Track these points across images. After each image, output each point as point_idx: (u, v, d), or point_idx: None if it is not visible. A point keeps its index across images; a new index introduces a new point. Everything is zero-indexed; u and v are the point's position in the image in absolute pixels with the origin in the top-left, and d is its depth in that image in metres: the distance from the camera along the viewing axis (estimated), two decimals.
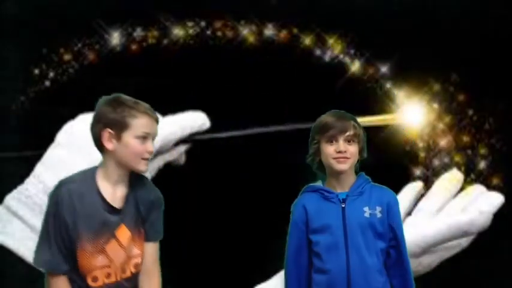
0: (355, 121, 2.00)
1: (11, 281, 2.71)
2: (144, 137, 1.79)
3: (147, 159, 1.80)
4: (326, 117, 2.00)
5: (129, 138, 1.78)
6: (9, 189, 2.69)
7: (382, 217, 1.95)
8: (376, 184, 2.03)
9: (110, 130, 1.79)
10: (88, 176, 1.82)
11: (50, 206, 1.79)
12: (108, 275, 1.77)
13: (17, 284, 2.76)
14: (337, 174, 1.98)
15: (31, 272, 2.60)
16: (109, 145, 1.79)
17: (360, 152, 2.01)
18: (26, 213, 2.60)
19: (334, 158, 1.95)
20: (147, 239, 1.84)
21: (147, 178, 1.90)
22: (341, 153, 1.94)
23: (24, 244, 2.58)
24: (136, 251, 1.81)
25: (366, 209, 1.95)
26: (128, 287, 1.81)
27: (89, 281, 1.76)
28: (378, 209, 1.95)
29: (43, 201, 2.61)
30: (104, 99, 1.85)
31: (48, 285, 1.79)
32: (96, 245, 1.75)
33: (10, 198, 2.64)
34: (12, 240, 2.58)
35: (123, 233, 1.78)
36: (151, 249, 1.85)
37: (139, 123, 1.79)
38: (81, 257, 1.75)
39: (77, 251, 1.75)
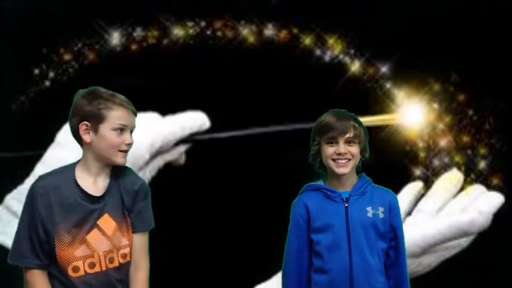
0: (356, 121, 1.98)
1: (13, 281, 2.71)
2: (121, 129, 1.79)
3: (125, 151, 1.79)
4: (326, 118, 1.99)
5: (106, 130, 1.78)
6: (9, 189, 2.69)
7: (384, 217, 1.95)
8: (377, 185, 2.03)
9: (87, 122, 1.79)
10: (67, 169, 1.81)
11: (25, 200, 1.79)
12: (92, 265, 1.75)
13: (19, 284, 2.76)
14: (339, 175, 1.97)
15: None
16: (86, 137, 1.78)
17: (362, 151, 2.00)
18: None
19: (334, 160, 1.94)
20: (134, 229, 1.81)
21: (130, 169, 1.88)
22: (341, 155, 1.94)
23: None
24: (124, 241, 1.79)
25: (369, 209, 1.94)
26: (118, 277, 1.78)
27: (70, 272, 1.74)
28: (381, 209, 1.95)
29: None
30: (80, 92, 1.87)
31: (25, 281, 1.78)
32: (76, 235, 1.74)
33: (10, 198, 2.64)
34: (12, 240, 2.58)
35: (107, 222, 1.76)
36: (139, 240, 1.82)
37: (115, 115, 1.79)
38: (59, 248, 1.73)
39: (55, 243, 1.73)
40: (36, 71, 3.12)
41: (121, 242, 1.78)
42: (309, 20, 3.17)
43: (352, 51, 3.20)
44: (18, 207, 2.62)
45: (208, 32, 3.19)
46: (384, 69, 3.19)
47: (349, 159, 1.95)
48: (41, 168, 2.71)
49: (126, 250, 1.79)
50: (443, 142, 3.19)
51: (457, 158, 3.18)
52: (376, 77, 3.20)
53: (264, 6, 3.17)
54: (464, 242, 2.88)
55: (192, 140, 3.00)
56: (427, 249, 2.79)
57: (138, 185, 1.84)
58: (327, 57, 3.21)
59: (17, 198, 2.64)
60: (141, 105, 2.91)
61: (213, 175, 2.99)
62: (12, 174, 2.80)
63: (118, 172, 1.83)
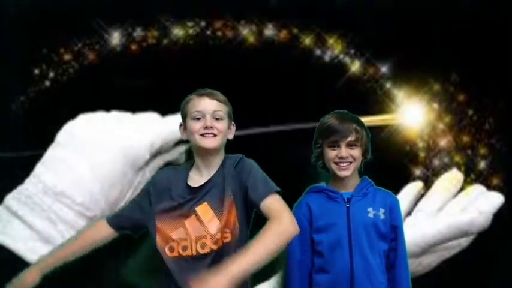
0: (358, 123, 2.01)
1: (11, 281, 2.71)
2: (198, 118, 1.87)
3: (209, 134, 1.86)
4: (328, 121, 2.01)
5: (188, 122, 1.89)
6: (9, 189, 2.69)
7: (385, 218, 1.96)
8: (379, 187, 2.05)
9: (182, 122, 1.93)
10: (185, 164, 1.99)
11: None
12: (185, 248, 1.82)
13: None
14: (341, 178, 2.00)
15: None
16: (184, 135, 1.92)
17: (364, 153, 2.02)
18: (26, 213, 2.60)
19: (336, 163, 1.97)
20: (258, 202, 1.77)
21: (234, 156, 1.92)
22: (343, 158, 1.96)
23: (24, 244, 2.58)
24: (219, 228, 1.80)
25: (370, 209, 1.96)
26: (206, 263, 1.79)
27: (167, 251, 1.83)
28: (382, 210, 1.97)
29: (43, 201, 2.62)
30: None
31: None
32: (175, 219, 1.84)
33: (10, 198, 2.64)
34: (12, 240, 2.58)
35: (204, 210, 1.83)
36: (267, 205, 1.75)
37: (190, 106, 1.90)
38: (160, 229, 1.84)
39: (157, 225, 1.85)
40: (36, 71, 3.12)
41: (214, 228, 1.81)
42: (309, 20, 3.17)
43: (352, 51, 3.20)
44: (18, 207, 2.63)
45: (208, 32, 3.19)
46: (384, 69, 3.19)
47: (351, 162, 1.97)
48: (41, 168, 2.70)
49: (218, 236, 1.79)
50: (443, 142, 3.19)
51: (457, 158, 3.18)
52: (376, 77, 3.20)
53: (264, 6, 3.17)
54: (464, 242, 2.88)
55: None
56: (427, 249, 2.79)
57: (238, 165, 1.87)
58: (327, 57, 3.21)
59: (17, 198, 2.64)
60: (141, 105, 2.93)
61: None
62: (12, 174, 2.80)
63: (223, 165, 1.90)
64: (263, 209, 1.75)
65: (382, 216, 1.96)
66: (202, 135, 1.86)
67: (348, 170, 1.97)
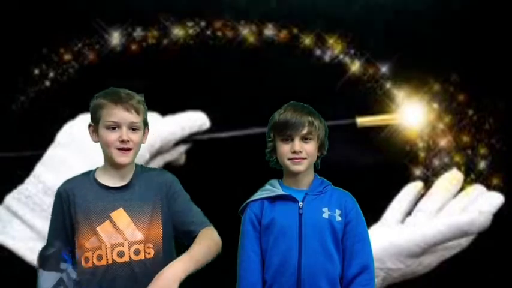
0: (313, 116, 1.88)
1: (11, 281, 2.71)
2: (113, 127, 1.75)
3: (124, 149, 1.75)
4: (281, 113, 1.89)
5: (101, 129, 1.77)
6: (9, 189, 2.69)
7: (341, 220, 1.85)
8: (337, 188, 1.94)
9: (91, 123, 1.80)
10: (88, 172, 1.84)
11: (53, 204, 1.81)
12: (99, 257, 1.71)
13: (17, 284, 2.76)
14: (294, 173, 1.88)
15: (31, 271, 2.60)
16: (93, 138, 1.80)
17: (319, 148, 1.90)
18: (26, 213, 2.61)
19: (290, 159, 1.86)
20: (194, 226, 1.78)
21: (150, 169, 1.88)
22: (296, 153, 1.84)
23: (24, 244, 2.58)
24: (139, 237, 1.73)
25: (325, 209, 1.85)
26: (124, 275, 1.71)
27: (82, 263, 1.73)
28: (338, 212, 1.85)
29: (43, 201, 2.62)
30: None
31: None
32: (90, 226, 1.72)
33: (10, 198, 2.64)
34: (12, 240, 2.58)
35: (120, 216, 1.73)
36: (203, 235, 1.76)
37: (104, 113, 1.76)
38: (78, 239, 1.74)
39: (76, 236, 1.75)
40: (36, 71, 3.12)
41: (135, 237, 1.72)
42: (309, 20, 3.17)
43: (352, 51, 3.20)
44: (18, 207, 2.63)
45: (208, 32, 3.19)
46: (384, 69, 3.19)
47: (304, 158, 1.85)
48: (41, 168, 2.71)
49: (141, 246, 1.72)
50: (443, 142, 3.19)
51: (457, 158, 3.18)
52: (376, 77, 3.19)
53: (264, 6, 3.17)
54: (464, 242, 2.88)
55: (192, 140, 3.00)
56: (427, 249, 2.79)
57: (163, 180, 1.82)
58: (327, 57, 3.21)
59: (17, 198, 2.64)
60: None
61: (213, 175, 2.99)
62: (12, 174, 2.79)
63: (144, 172, 1.83)
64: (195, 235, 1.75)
65: (338, 218, 1.84)
66: (118, 149, 1.74)
67: (301, 165, 1.84)
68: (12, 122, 3.08)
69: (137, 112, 1.77)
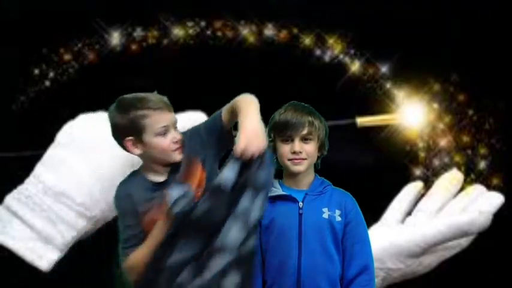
0: (314, 116, 1.89)
1: (11, 281, 2.71)
2: (164, 133, 1.79)
3: (177, 149, 1.80)
4: (281, 113, 1.90)
5: (150, 138, 1.78)
6: (9, 189, 2.69)
7: (341, 221, 1.86)
8: (337, 188, 1.94)
9: (131, 138, 1.79)
10: (135, 172, 1.89)
11: (116, 207, 1.87)
12: None
13: (16, 284, 2.76)
14: (294, 174, 1.89)
15: (31, 271, 2.60)
16: (136, 151, 1.81)
17: (320, 148, 1.90)
18: (26, 213, 2.60)
19: (290, 160, 1.86)
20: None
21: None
22: (296, 153, 1.85)
23: (24, 244, 2.58)
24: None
25: (325, 210, 1.86)
26: None
27: None
28: (338, 212, 1.86)
29: (43, 201, 2.62)
30: (111, 108, 1.84)
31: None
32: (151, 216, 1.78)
33: (10, 198, 2.64)
34: (12, 240, 2.58)
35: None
36: None
37: (153, 121, 1.79)
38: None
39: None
40: (36, 71, 3.12)
41: None
42: (309, 20, 3.17)
43: (352, 51, 3.20)
44: (18, 207, 2.62)
45: (208, 32, 3.19)
46: (384, 69, 3.19)
47: (305, 159, 1.86)
48: (41, 168, 2.70)
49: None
50: (443, 142, 3.19)
51: (457, 158, 3.18)
52: (376, 77, 3.20)
53: (264, 6, 3.17)
54: (464, 242, 2.88)
55: None
56: (427, 249, 2.78)
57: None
58: (327, 57, 3.21)
59: (17, 198, 2.64)
60: None
61: None
62: (12, 174, 2.79)
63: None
64: None
65: (338, 218, 1.85)
66: (173, 150, 1.80)
67: (301, 165, 1.85)
68: (12, 122, 3.08)
69: (172, 110, 1.85)
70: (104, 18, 3.12)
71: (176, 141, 1.79)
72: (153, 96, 1.85)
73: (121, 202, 1.84)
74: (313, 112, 1.91)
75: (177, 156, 1.80)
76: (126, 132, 1.79)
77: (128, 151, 1.83)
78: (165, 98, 1.86)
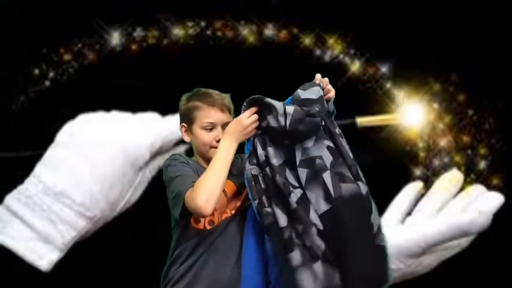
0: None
1: (11, 281, 2.71)
2: (210, 128, 1.87)
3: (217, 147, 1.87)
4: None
5: (196, 129, 1.88)
6: (9, 189, 2.69)
7: None
8: None
9: (184, 124, 1.90)
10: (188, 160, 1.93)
11: (171, 166, 1.87)
12: (211, 222, 1.83)
13: (16, 284, 2.76)
14: None
15: (30, 271, 2.60)
16: (186, 138, 1.91)
17: None
18: (26, 213, 2.60)
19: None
20: None
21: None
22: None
23: (24, 244, 2.58)
24: (235, 204, 1.86)
25: None
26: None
27: (192, 222, 1.83)
28: None
29: (43, 201, 2.62)
30: (184, 95, 1.96)
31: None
32: None
33: (10, 198, 2.64)
34: (12, 240, 2.58)
35: (229, 186, 1.85)
36: None
37: (201, 115, 1.87)
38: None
39: None
40: (36, 71, 3.12)
41: (232, 203, 1.86)
42: (309, 20, 3.17)
43: (352, 51, 3.20)
44: (18, 207, 2.63)
45: (208, 32, 3.19)
46: (384, 69, 3.19)
47: None
48: (41, 168, 2.70)
49: (233, 211, 1.86)
50: (443, 142, 3.19)
51: (457, 158, 3.18)
52: (376, 77, 3.20)
53: (264, 6, 3.17)
54: (464, 242, 2.88)
55: None
56: (427, 249, 2.79)
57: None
58: (327, 57, 3.21)
59: (17, 198, 2.64)
60: (141, 105, 2.93)
61: None
62: (12, 174, 2.80)
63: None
64: None
65: None
66: (214, 147, 1.86)
67: None
68: (12, 122, 3.08)
69: (229, 112, 1.92)
70: (104, 18, 3.12)
71: (218, 140, 1.85)
72: (216, 94, 1.94)
73: (178, 162, 1.89)
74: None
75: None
76: (182, 118, 1.91)
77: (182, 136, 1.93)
78: (227, 100, 1.94)
